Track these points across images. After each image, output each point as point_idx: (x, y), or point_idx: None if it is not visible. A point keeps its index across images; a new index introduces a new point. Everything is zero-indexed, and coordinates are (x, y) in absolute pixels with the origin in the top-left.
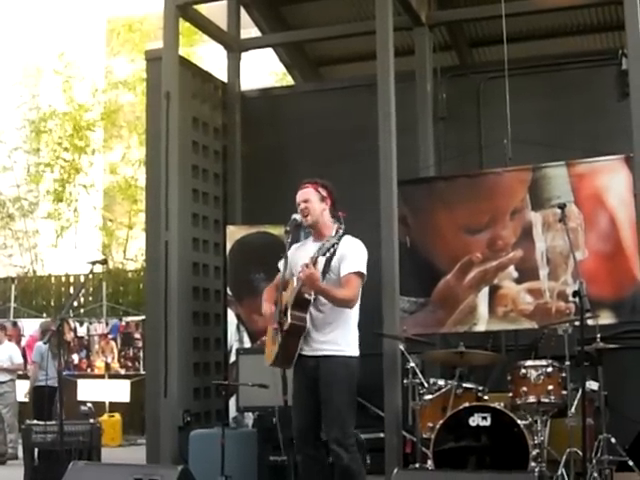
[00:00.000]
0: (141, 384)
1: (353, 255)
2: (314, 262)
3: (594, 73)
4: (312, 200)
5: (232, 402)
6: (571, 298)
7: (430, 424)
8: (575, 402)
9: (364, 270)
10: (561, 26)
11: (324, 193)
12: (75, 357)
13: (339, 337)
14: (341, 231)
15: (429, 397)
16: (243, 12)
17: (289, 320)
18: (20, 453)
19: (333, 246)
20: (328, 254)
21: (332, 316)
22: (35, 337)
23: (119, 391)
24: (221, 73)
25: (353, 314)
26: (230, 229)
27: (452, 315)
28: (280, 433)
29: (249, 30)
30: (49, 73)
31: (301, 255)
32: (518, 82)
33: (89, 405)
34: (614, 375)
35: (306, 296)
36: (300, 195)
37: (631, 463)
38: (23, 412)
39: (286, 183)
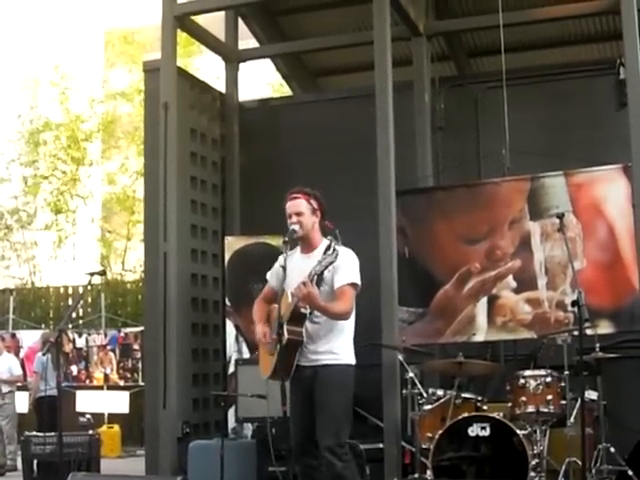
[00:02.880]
0: (140, 395)
1: (346, 266)
2: (311, 280)
3: (592, 83)
4: (305, 213)
5: (231, 413)
6: (570, 308)
7: (429, 434)
8: (574, 412)
9: (358, 280)
10: (559, 36)
11: (315, 205)
12: (74, 368)
13: (335, 347)
14: (338, 248)
15: (428, 407)
16: (241, 23)
17: (286, 335)
18: (19, 465)
19: (330, 264)
20: (326, 272)
21: (327, 327)
22: (34, 348)
23: (118, 402)
24: (219, 84)
25: (348, 323)
26: (228, 240)
27: (451, 325)
28: (279, 443)
29: (247, 41)
30: (46, 85)
31: (291, 268)
32: (516, 92)
33: (88, 416)
34: (613, 385)
35: (302, 310)
36: (292, 206)
37: (630, 473)
38: (22, 424)
39: (284, 194)
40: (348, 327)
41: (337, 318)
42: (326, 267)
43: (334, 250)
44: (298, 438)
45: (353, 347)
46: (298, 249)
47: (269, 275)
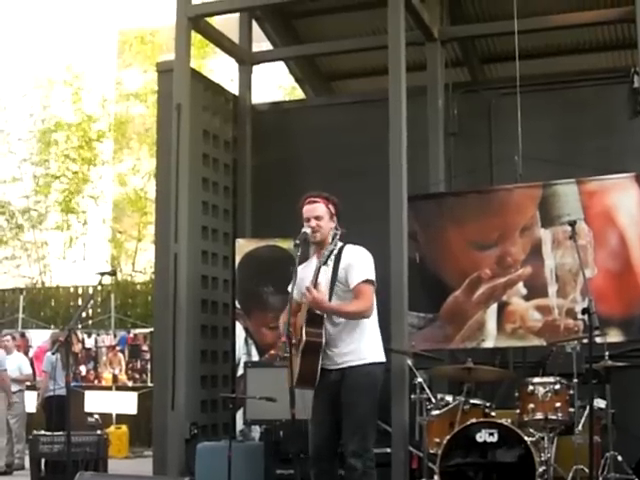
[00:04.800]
0: (148, 396)
1: (360, 263)
2: (314, 284)
3: (605, 91)
4: (324, 218)
5: (239, 415)
6: (580, 315)
7: (437, 440)
8: (582, 420)
9: (373, 277)
10: (573, 43)
11: (333, 210)
12: (83, 369)
13: (361, 347)
14: (337, 236)
15: (436, 412)
16: (255, 25)
17: (304, 337)
18: (27, 464)
19: (331, 252)
20: (330, 262)
21: (349, 328)
22: (43, 348)
23: (126, 403)
24: (233, 86)
25: (370, 321)
26: (239, 242)
27: (460, 331)
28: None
29: (260, 44)
30: (60, 84)
31: (307, 274)
32: (530, 99)
33: (96, 417)
34: (622, 393)
35: (317, 312)
36: (311, 210)
37: None
38: (30, 423)
39: (296, 197)
40: (370, 325)
41: (356, 317)
42: (327, 257)
43: (333, 238)
44: (318, 442)
45: (381, 343)
46: (315, 255)
47: (290, 288)
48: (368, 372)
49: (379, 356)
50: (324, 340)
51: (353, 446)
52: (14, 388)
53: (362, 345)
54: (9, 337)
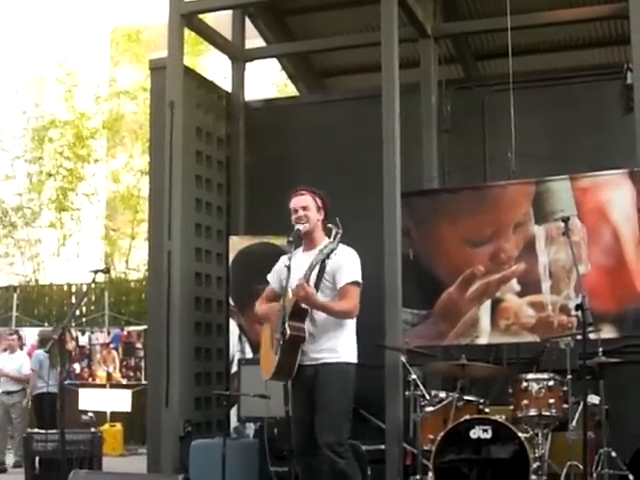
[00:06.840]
0: (142, 394)
1: (349, 265)
2: (307, 279)
3: (599, 87)
4: (310, 208)
5: (233, 412)
6: (573, 312)
7: (431, 436)
8: (576, 416)
9: (360, 279)
10: (566, 40)
11: (320, 203)
12: (77, 366)
13: (337, 345)
14: (339, 235)
15: (430, 409)
16: (248, 22)
17: (288, 331)
18: None
19: (332, 251)
20: (328, 260)
21: (328, 325)
22: (35, 346)
23: (120, 401)
24: (226, 83)
25: (350, 321)
26: (233, 239)
27: (454, 327)
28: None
29: (253, 40)
30: (52, 82)
31: (293, 267)
32: (523, 95)
33: (90, 414)
34: (615, 389)
35: (303, 305)
36: (297, 201)
37: (631, 477)
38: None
39: (289, 194)
40: (350, 325)
41: (341, 316)
42: (328, 255)
43: (335, 237)
44: (299, 438)
45: (356, 345)
46: (300, 248)
47: (270, 276)
48: (340, 369)
49: (353, 357)
50: (307, 335)
51: (326, 439)
52: (15, 387)
53: (338, 344)
54: (15, 336)
